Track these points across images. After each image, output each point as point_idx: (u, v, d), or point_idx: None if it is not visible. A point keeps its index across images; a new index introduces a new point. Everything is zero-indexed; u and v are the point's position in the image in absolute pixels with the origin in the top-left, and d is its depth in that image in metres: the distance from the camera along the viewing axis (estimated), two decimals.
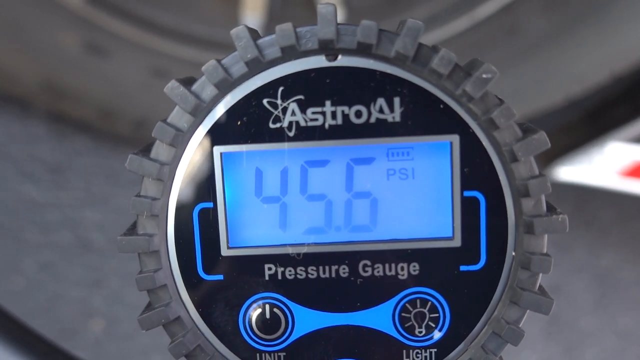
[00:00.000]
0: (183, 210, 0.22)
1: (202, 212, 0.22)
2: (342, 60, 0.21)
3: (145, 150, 0.22)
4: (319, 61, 0.21)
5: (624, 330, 1.05)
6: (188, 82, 0.22)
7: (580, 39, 0.74)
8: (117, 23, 0.77)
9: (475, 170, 0.21)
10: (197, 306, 0.22)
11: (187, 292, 0.22)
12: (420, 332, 0.22)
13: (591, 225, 1.09)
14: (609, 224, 1.09)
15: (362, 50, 0.21)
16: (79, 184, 0.93)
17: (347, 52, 0.21)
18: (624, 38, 0.75)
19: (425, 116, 0.21)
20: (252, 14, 0.77)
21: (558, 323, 1.04)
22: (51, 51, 0.79)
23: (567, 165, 0.97)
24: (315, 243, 0.22)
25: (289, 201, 0.22)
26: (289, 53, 0.21)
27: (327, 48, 0.21)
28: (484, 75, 0.21)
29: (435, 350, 0.22)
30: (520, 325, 0.21)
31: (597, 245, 1.09)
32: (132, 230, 0.22)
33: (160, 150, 0.22)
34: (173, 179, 0.22)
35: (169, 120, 0.22)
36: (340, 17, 0.20)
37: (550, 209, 0.22)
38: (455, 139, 0.21)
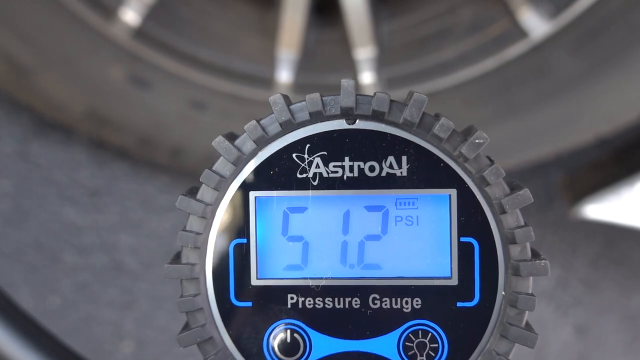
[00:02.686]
0: (221, 244, 0.26)
1: (237, 246, 0.26)
2: (359, 124, 0.26)
3: (192, 192, 0.26)
4: (340, 124, 0.26)
5: None
6: (231, 137, 0.27)
7: (610, 80, 0.75)
8: (160, 57, 0.81)
9: (470, 219, 0.25)
10: (228, 328, 0.26)
11: (220, 315, 0.26)
12: None
13: (621, 265, 1.07)
14: None
15: (376, 116, 0.26)
16: (115, 208, 0.96)
17: (364, 117, 0.26)
18: None
19: (428, 172, 0.25)
20: (288, 50, 0.80)
21: None
22: (97, 82, 0.83)
23: (596, 204, 0.96)
24: (332, 277, 0.25)
25: (310, 241, 0.26)
26: (316, 117, 0.26)
27: (347, 114, 0.26)
28: (477, 140, 0.25)
29: None
30: (509, 357, 0.25)
31: (628, 286, 1.06)
32: (177, 259, 0.26)
33: (205, 193, 0.26)
34: (214, 217, 0.26)
35: (214, 168, 0.26)
36: (358, 88, 0.25)
37: (535, 254, 0.26)
38: (453, 192, 0.25)
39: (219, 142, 0.26)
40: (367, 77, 0.79)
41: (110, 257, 0.96)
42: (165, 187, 0.98)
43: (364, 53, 0.79)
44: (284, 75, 0.80)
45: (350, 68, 0.79)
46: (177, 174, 0.97)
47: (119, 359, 0.95)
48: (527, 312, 0.25)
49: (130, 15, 0.79)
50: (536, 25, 0.72)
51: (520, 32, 0.73)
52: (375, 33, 0.78)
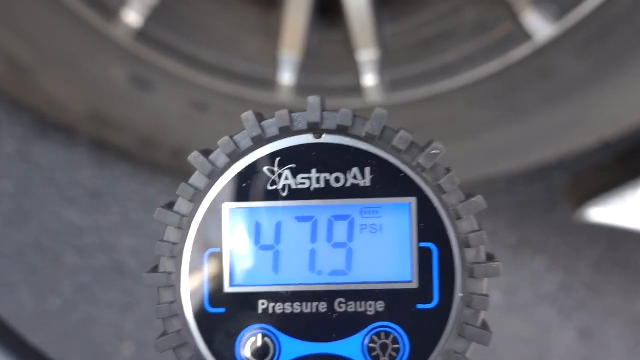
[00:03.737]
0: (196, 254, 0.27)
1: (212, 255, 0.27)
2: (325, 138, 0.28)
3: (170, 205, 0.28)
4: (307, 139, 0.28)
5: None
6: (206, 153, 0.28)
7: (615, 83, 0.74)
8: (162, 58, 0.81)
9: (429, 225, 0.27)
10: (202, 334, 0.27)
11: (195, 321, 0.27)
12: None
13: (625, 269, 1.06)
14: None
15: (341, 130, 0.28)
16: (116, 209, 0.96)
17: (329, 132, 0.28)
18: None
19: (390, 182, 0.27)
20: (290, 51, 0.80)
21: None
22: (99, 83, 0.83)
23: (600, 207, 0.95)
24: (301, 284, 0.27)
25: (281, 249, 0.27)
26: (285, 132, 0.28)
27: (314, 129, 0.28)
28: (434, 151, 0.27)
29: None
30: (467, 356, 0.27)
31: (632, 290, 1.06)
32: (155, 268, 0.28)
33: (182, 205, 0.28)
34: (190, 228, 0.27)
35: (190, 181, 0.28)
36: (324, 105, 0.27)
37: (490, 257, 0.27)
38: (413, 200, 0.27)
39: (195, 157, 0.28)
40: (370, 80, 0.78)
41: (111, 258, 0.97)
42: (166, 188, 0.98)
43: (367, 55, 0.78)
44: (286, 76, 0.80)
45: (353, 70, 0.79)
46: (178, 175, 0.97)
47: None
48: (482, 312, 0.27)
49: (132, 16, 0.79)
50: (541, 27, 0.72)
51: (524, 34, 0.73)
52: (379, 35, 0.78)
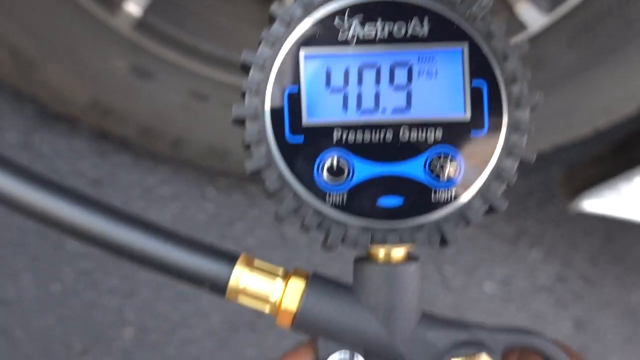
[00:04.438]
0: (277, 92, 0.31)
1: (290, 94, 0.31)
2: None
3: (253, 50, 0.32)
4: None
5: None
6: (284, 5, 0.32)
7: (608, 72, 0.75)
8: (161, 48, 0.82)
9: (480, 66, 0.31)
10: (284, 158, 0.31)
11: (277, 148, 0.31)
12: (443, 178, 0.31)
13: (621, 261, 1.07)
14: None
15: None
16: (117, 198, 0.98)
17: None
18: None
19: (444, 31, 0.32)
20: None
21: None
22: (100, 73, 0.84)
23: (595, 198, 0.96)
24: (368, 118, 0.32)
25: (349, 91, 0.32)
26: None
27: None
28: (484, 3, 0.32)
29: (455, 190, 0.31)
30: (513, 172, 0.31)
31: (628, 281, 1.07)
32: (241, 103, 0.32)
33: (264, 49, 0.32)
34: (271, 68, 0.31)
35: (271, 30, 0.32)
36: None
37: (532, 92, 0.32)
38: (465, 46, 0.31)
39: (275, 8, 0.31)
40: None
41: None
42: (166, 177, 0.99)
43: None
44: None
45: None
46: (177, 165, 0.98)
47: (120, 345, 0.97)
48: (526, 135, 0.31)
49: (132, 7, 0.80)
50: (534, 17, 0.73)
51: (518, 25, 0.74)
52: None
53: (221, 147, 0.89)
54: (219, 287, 0.32)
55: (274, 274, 0.32)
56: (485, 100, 0.31)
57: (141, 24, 0.81)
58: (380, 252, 0.32)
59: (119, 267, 0.97)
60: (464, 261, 1.03)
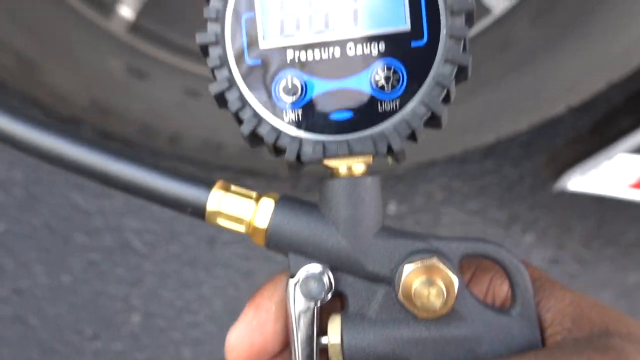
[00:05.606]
0: (235, 17, 0.33)
1: (248, 19, 0.33)
2: None
3: None
4: None
5: None
6: None
7: (571, 48, 0.76)
8: (155, 49, 0.85)
9: None
10: (245, 80, 0.33)
11: (238, 70, 0.33)
12: (388, 89, 0.33)
13: (616, 242, 1.07)
14: (636, 240, 1.06)
15: None
16: (120, 193, 1.02)
17: None
18: (616, 44, 0.76)
19: None
20: None
21: None
22: (98, 74, 0.88)
23: (578, 176, 0.96)
24: (318, 36, 0.33)
25: (301, 13, 0.33)
26: None
27: None
28: None
29: (399, 101, 0.33)
30: (452, 77, 0.32)
31: (623, 262, 1.07)
32: (204, 30, 0.33)
33: None
34: None
35: None
36: None
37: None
38: None
39: None
40: None
41: (117, 238, 1.03)
42: None
43: None
44: None
45: None
46: (175, 160, 1.02)
47: (127, 330, 1.01)
48: (462, 39, 0.32)
49: (126, 11, 0.83)
50: (496, 1, 0.74)
51: (483, 9, 0.75)
52: None
53: (215, 141, 0.92)
54: (199, 211, 0.33)
55: (248, 196, 0.34)
56: (424, 9, 0.32)
57: (135, 27, 0.84)
58: (342, 168, 0.33)
59: (125, 258, 1.01)
60: None
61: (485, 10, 0.76)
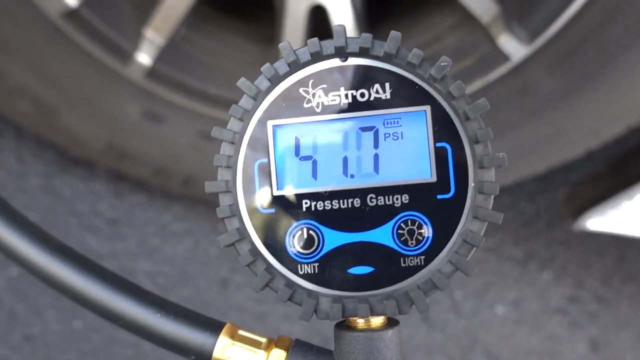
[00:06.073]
0: (248, 164, 0.32)
1: (261, 165, 0.32)
2: (350, 61, 0.32)
3: (223, 125, 0.33)
4: (335, 62, 0.33)
5: None
6: (252, 79, 0.33)
7: (591, 96, 0.77)
8: (171, 93, 0.86)
9: (443, 128, 0.31)
10: (257, 231, 0.32)
11: (250, 221, 0.32)
12: (412, 244, 0.31)
13: (636, 280, 1.05)
14: None
15: (363, 52, 0.32)
16: (133, 236, 1.02)
17: (353, 54, 0.32)
18: (635, 90, 0.77)
19: (407, 94, 0.32)
20: None
21: None
22: (115, 118, 0.89)
23: (597, 216, 0.95)
24: (336, 185, 0.32)
25: (318, 158, 0.32)
26: (316, 57, 0.33)
27: (340, 53, 0.32)
28: (442, 64, 0.32)
29: (424, 257, 0.31)
30: (482, 234, 0.31)
31: None
32: (214, 178, 0.33)
33: (233, 123, 0.32)
34: (241, 142, 0.32)
35: (239, 103, 0.33)
36: (349, 32, 0.33)
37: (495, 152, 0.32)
38: (428, 108, 0.32)
39: (242, 82, 0.32)
40: None
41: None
42: (179, 215, 1.03)
43: None
44: None
45: None
46: (189, 202, 1.02)
47: None
48: (492, 195, 0.31)
49: (143, 57, 0.85)
50: (515, 49, 0.76)
51: (502, 56, 0.77)
52: None
53: None
54: (204, 359, 0.32)
55: (257, 345, 0.33)
56: (450, 162, 0.31)
57: (151, 72, 0.85)
58: (360, 321, 0.31)
59: None
60: (473, 285, 1.03)
61: (504, 57, 0.76)
